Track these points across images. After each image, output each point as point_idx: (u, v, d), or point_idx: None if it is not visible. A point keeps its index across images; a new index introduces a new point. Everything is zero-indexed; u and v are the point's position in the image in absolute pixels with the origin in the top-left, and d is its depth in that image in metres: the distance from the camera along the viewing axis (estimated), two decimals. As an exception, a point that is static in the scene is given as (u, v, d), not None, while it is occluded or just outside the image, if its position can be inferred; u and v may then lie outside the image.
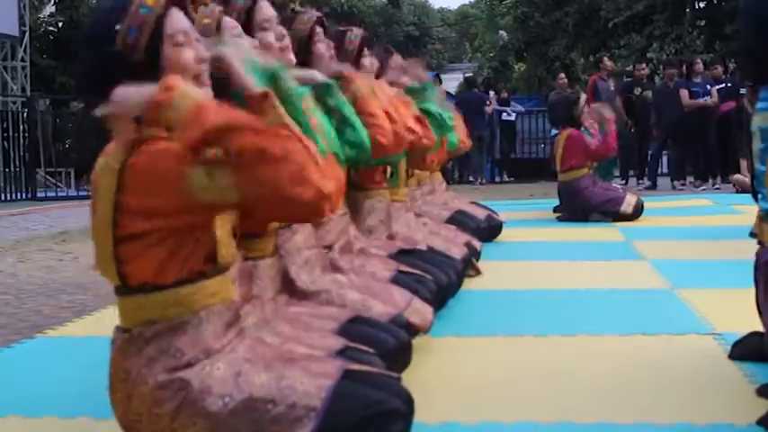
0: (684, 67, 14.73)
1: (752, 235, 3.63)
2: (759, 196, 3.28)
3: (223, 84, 2.60)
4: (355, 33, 4.56)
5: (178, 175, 2.25)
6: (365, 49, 4.57)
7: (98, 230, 2.38)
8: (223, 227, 2.49)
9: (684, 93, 13.94)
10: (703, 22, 25.51)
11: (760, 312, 3.19)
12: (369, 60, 4.62)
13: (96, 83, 2.38)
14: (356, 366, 2.55)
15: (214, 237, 2.43)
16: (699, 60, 14.88)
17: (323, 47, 3.94)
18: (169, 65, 2.43)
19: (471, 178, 17.24)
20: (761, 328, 3.20)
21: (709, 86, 14.02)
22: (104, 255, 2.38)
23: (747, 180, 3.54)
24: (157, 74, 2.36)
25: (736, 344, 3.66)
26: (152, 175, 2.27)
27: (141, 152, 2.28)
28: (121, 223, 2.31)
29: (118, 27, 2.35)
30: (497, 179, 18.04)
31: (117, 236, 2.33)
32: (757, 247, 3.33)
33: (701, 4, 26.60)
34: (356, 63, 4.43)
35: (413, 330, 3.50)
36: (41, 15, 30.28)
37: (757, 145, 3.20)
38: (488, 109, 17.19)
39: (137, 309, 2.39)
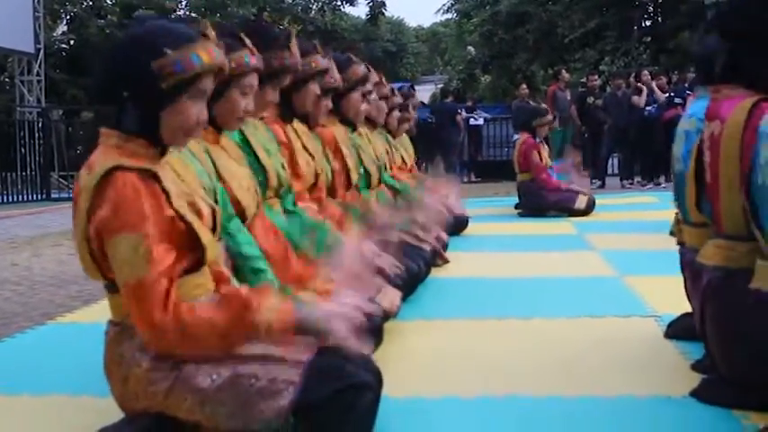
0: (634, 77, 14.80)
1: (672, 234, 3.66)
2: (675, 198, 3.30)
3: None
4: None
5: (117, 228, 2.23)
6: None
7: (78, 242, 2.35)
8: (206, 231, 2.47)
9: (637, 99, 14.00)
10: (649, 39, 25.61)
11: (690, 299, 3.23)
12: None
13: (116, 86, 2.34)
14: (330, 344, 2.55)
15: (202, 244, 2.42)
16: (646, 72, 14.96)
17: None
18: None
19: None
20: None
21: (654, 96, 14.09)
22: (86, 261, 2.37)
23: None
24: (164, 107, 2.34)
25: (671, 324, 3.69)
26: (107, 210, 2.24)
27: (115, 183, 2.25)
28: (89, 238, 2.31)
29: (168, 51, 2.29)
30: (465, 179, 18.04)
31: (92, 251, 2.32)
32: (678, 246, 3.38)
33: (648, 23, 26.71)
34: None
35: (383, 313, 3.50)
36: (55, 34, 30.12)
37: (681, 148, 3.22)
38: (459, 118, 17.19)
39: (125, 304, 2.37)
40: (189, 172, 2.61)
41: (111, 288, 2.40)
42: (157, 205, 2.28)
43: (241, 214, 3.03)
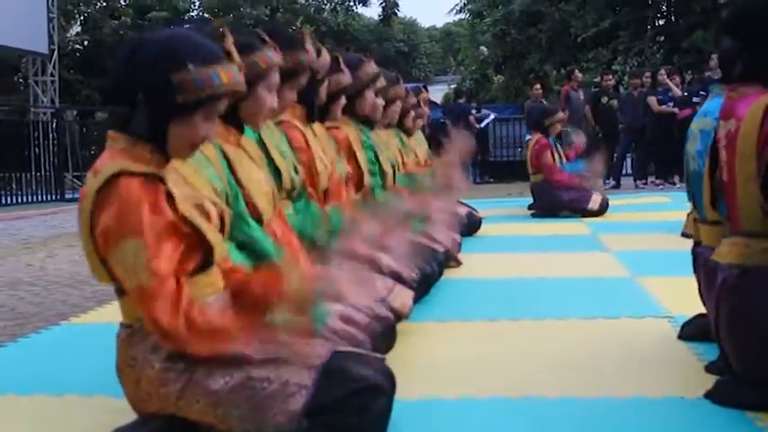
0: (650, 76, 14.77)
1: (684, 235, 3.65)
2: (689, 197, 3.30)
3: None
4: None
5: (120, 233, 2.25)
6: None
7: (84, 244, 2.36)
8: (214, 231, 2.48)
9: (653, 100, 13.99)
10: (662, 38, 25.51)
11: (703, 301, 3.22)
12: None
13: (132, 88, 2.33)
14: (343, 347, 2.56)
15: (209, 244, 2.42)
16: (663, 71, 14.91)
17: None
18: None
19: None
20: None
21: (670, 94, 14.05)
22: (93, 263, 2.38)
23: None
24: (175, 119, 2.35)
25: (685, 325, 3.67)
26: (110, 215, 2.25)
27: (118, 188, 2.25)
28: (96, 247, 2.32)
29: (190, 66, 2.29)
30: (478, 180, 18.03)
31: (99, 255, 2.33)
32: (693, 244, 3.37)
33: (661, 22, 26.62)
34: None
35: (395, 314, 3.50)
36: (69, 35, 30.22)
37: (695, 146, 3.22)
38: (471, 119, 17.21)
39: (134, 307, 2.38)
40: (198, 175, 2.61)
41: (121, 291, 2.41)
42: (161, 209, 2.29)
43: (258, 218, 3.04)
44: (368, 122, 5.12)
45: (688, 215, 3.51)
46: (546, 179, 9.31)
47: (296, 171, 3.66)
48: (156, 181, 2.30)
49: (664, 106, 13.95)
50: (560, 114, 9.71)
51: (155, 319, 2.25)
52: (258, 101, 3.00)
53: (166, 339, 2.29)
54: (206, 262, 2.46)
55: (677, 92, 14.01)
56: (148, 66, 2.31)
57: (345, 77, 4.33)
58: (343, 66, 4.31)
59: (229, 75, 2.38)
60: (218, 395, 2.34)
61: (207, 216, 2.45)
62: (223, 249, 2.57)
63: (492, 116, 18.84)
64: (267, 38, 3.10)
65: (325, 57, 3.97)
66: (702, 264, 3.16)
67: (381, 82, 5.13)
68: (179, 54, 2.30)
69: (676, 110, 13.81)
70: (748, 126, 2.70)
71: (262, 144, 3.42)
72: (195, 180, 2.57)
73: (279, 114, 3.62)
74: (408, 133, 7.27)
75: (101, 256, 2.33)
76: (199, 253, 2.41)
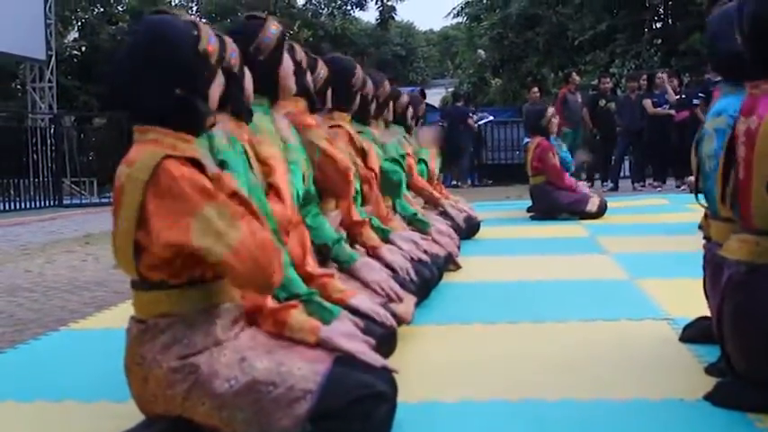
0: (647, 79, 14.80)
1: (700, 227, 3.64)
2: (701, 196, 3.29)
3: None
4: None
5: (191, 207, 2.27)
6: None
7: (120, 236, 2.37)
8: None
9: (648, 102, 14.03)
10: (660, 41, 25.56)
11: (707, 298, 3.21)
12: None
13: (166, 90, 2.38)
14: (347, 354, 2.57)
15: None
16: (660, 74, 14.94)
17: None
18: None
19: (455, 182, 17.25)
20: (708, 313, 3.21)
21: (666, 96, 14.08)
22: (125, 257, 2.38)
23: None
24: (212, 83, 2.48)
25: (687, 327, 3.67)
26: (171, 197, 2.27)
27: (166, 171, 2.28)
28: (138, 233, 2.32)
29: (196, 32, 2.41)
30: (476, 183, 18.06)
31: (137, 246, 2.34)
32: (704, 240, 3.36)
33: (658, 25, 26.65)
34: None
35: (397, 319, 3.50)
36: (66, 41, 30.24)
37: (712, 146, 3.20)
38: (470, 121, 17.26)
39: (153, 302, 2.40)
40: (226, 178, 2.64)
41: (140, 285, 2.42)
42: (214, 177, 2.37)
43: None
44: (364, 121, 5.14)
45: (706, 210, 3.50)
46: (550, 181, 9.31)
47: (303, 180, 3.67)
48: (196, 164, 2.36)
49: (659, 108, 13.98)
50: (550, 110, 9.68)
51: (271, 257, 2.32)
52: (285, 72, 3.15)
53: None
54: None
55: (672, 96, 14.03)
56: (171, 59, 2.37)
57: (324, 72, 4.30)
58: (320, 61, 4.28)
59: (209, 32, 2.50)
60: (224, 398, 2.34)
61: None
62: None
63: (490, 117, 18.90)
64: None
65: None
66: (709, 259, 3.15)
67: (369, 86, 5.11)
68: (182, 30, 2.40)
69: (672, 112, 13.85)
70: None
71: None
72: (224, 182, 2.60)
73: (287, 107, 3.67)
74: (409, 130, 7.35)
75: (140, 245, 2.34)
76: None
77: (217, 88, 2.52)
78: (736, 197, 2.86)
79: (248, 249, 2.29)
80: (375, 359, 2.52)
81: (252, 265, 2.30)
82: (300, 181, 3.40)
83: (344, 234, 3.98)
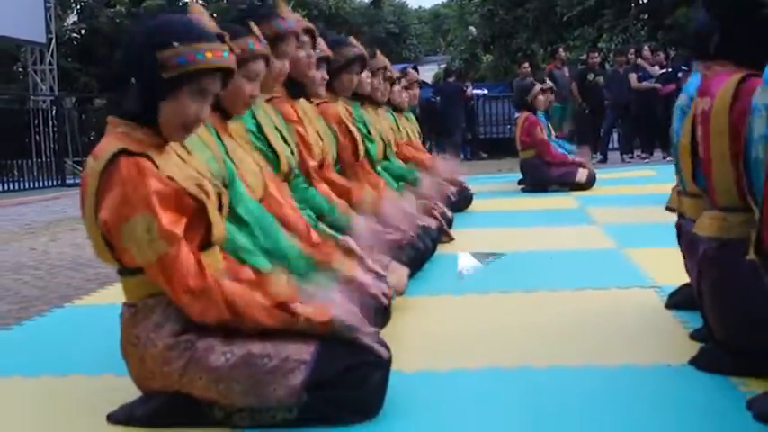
0: (634, 52, 14.76)
1: (668, 209, 3.66)
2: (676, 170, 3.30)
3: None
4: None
5: (127, 212, 2.27)
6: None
7: (88, 226, 2.38)
8: (214, 209, 2.50)
9: (633, 77, 14.00)
10: (646, 15, 25.47)
11: (688, 271, 3.23)
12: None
13: (126, 73, 2.37)
14: (341, 324, 2.57)
15: (209, 220, 2.44)
16: (647, 48, 14.91)
17: None
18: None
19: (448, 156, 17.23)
20: (692, 281, 3.23)
21: (650, 71, 14.06)
22: (99, 246, 2.40)
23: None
24: (164, 97, 2.37)
25: (672, 295, 3.69)
26: (115, 195, 2.28)
27: (120, 168, 2.28)
28: (103, 229, 2.33)
29: (175, 44, 2.33)
30: (469, 157, 18.04)
31: (104, 235, 2.34)
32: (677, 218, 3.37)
33: (645, 0, 26.56)
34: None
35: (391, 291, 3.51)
36: (66, 24, 30.08)
37: (676, 123, 3.22)
38: (469, 93, 17.28)
39: (139, 286, 2.41)
40: (195, 158, 2.62)
41: (124, 271, 2.42)
42: (164, 181, 2.32)
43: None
44: (356, 99, 5.13)
45: (672, 189, 3.52)
46: (538, 155, 9.31)
47: (293, 153, 3.67)
48: (152, 162, 2.33)
49: (645, 83, 13.96)
50: (537, 87, 9.65)
51: (179, 283, 2.28)
52: (235, 88, 2.96)
53: (193, 303, 2.32)
54: (206, 242, 2.47)
55: (654, 71, 14.00)
56: (138, 49, 2.35)
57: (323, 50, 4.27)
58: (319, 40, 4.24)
59: (215, 53, 2.40)
60: (220, 371, 2.35)
61: (207, 195, 2.46)
62: (222, 229, 2.58)
63: (484, 91, 18.89)
64: (254, 27, 3.10)
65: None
66: (684, 236, 3.17)
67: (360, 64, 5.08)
68: (167, 35, 2.34)
69: (658, 85, 13.83)
70: (720, 104, 2.71)
71: (259, 127, 3.42)
72: (193, 161, 2.58)
73: (271, 89, 3.64)
74: (399, 109, 7.33)
75: (108, 239, 2.34)
76: (200, 231, 2.43)
77: (181, 108, 2.40)
78: (702, 175, 2.88)
79: (158, 271, 2.31)
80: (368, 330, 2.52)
81: (164, 282, 2.32)
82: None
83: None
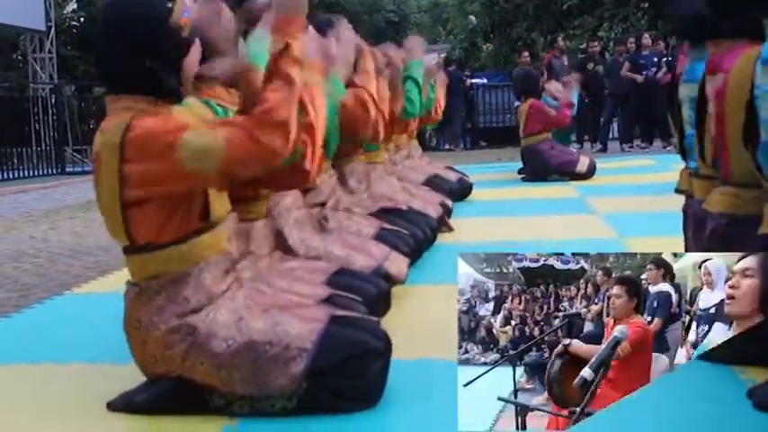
0: (634, 41, 14.73)
1: (677, 191, 3.64)
2: (689, 156, 3.29)
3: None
4: None
5: (170, 143, 2.27)
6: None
7: (105, 200, 2.39)
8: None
9: (626, 65, 13.98)
10: (647, 4, 25.41)
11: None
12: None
13: (136, 62, 2.38)
14: (341, 312, 2.58)
15: (207, 195, 2.45)
16: (647, 36, 14.87)
17: None
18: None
19: (448, 146, 17.23)
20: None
21: (655, 59, 14.02)
22: (114, 221, 2.40)
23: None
24: (185, 56, 2.45)
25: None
26: (148, 145, 2.28)
27: (135, 127, 2.29)
28: (125, 192, 2.32)
29: (169, 5, 2.40)
30: (469, 146, 18.03)
31: (123, 203, 2.34)
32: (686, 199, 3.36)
33: (645, -12, 26.52)
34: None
35: (391, 280, 3.51)
36: (65, 11, 30.02)
37: (687, 112, 3.20)
38: (468, 82, 17.28)
39: (143, 265, 2.41)
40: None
41: (131, 250, 2.43)
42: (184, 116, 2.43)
43: None
44: None
45: (681, 171, 3.50)
46: (558, 127, 9.46)
47: None
48: None
49: (645, 72, 13.93)
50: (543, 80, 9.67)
51: (263, 143, 2.31)
52: None
53: (285, 140, 2.35)
54: (204, 222, 2.47)
55: (637, 77, 13.91)
56: (141, 30, 2.38)
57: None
58: None
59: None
60: (221, 358, 2.35)
61: None
62: (222, 206, 2.58)
63: (484, 80, 18.88)
64: None
65: None
66: (692, 214, 3.15)
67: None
68: (153, 3, 2.41)
69: (639, 76, 13.79)
70: (737, 78, 2.67)
71: None
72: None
73: None
74: None
75: (128, 207, 2.35)
76: (197, 208, 2.44)
77: (194, 58, 2.51)
78: (714, 153, 2.86)
79: (239, 135, 2.30)
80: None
81: (252, 145, 2.31)
82: None
83: None
